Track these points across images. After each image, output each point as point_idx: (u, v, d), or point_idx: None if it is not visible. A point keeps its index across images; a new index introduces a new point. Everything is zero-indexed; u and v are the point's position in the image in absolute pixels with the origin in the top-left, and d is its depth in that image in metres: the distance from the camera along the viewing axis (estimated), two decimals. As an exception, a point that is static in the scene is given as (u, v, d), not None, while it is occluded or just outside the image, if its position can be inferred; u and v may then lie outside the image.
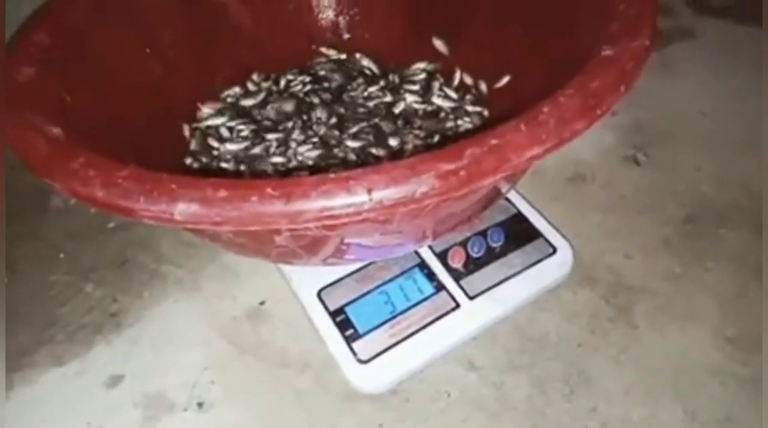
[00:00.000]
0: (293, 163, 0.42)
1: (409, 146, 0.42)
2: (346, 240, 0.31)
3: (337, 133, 0.44)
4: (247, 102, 0.48)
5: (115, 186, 0.24)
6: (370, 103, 0.47)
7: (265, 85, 0.49)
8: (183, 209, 0.23)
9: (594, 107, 0.25)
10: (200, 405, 0.36)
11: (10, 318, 0.42)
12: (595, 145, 0.51)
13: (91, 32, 0.39)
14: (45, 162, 0.26)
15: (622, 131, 0.52)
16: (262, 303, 0.41)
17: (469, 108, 0.46)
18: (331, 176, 0.23)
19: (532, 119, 0.24)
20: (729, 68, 0.56)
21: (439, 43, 0.48)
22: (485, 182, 0.24)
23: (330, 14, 0.51)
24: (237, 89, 0.49)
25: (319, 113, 0.46)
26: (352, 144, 0.43)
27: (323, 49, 0.50)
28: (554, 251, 0.40)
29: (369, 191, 0.23)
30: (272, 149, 0.43)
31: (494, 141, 0.24)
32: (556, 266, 0.39)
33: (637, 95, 0.54)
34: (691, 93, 0.55)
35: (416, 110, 0.46)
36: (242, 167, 0.42)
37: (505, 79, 0.44)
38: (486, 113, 0.46)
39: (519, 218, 0.41)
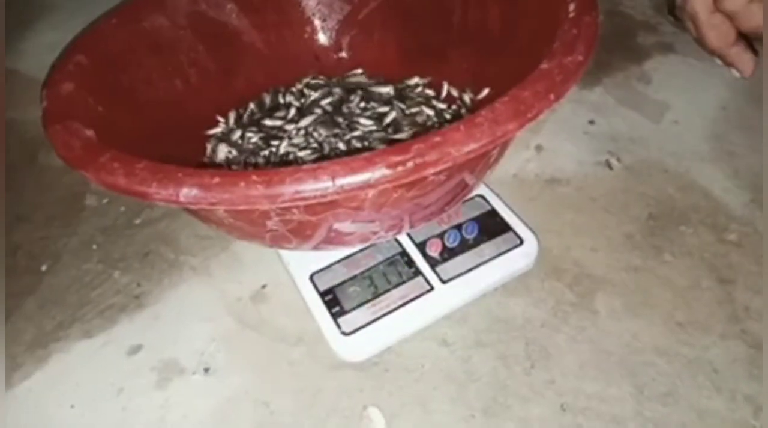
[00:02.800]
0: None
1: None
2: (329, 226, 0.36)
3: (334, 140, 0.50)
4: (257, 113, 0.54)
5: (134, 175, 0.30)
6: (366, 114, 0.53)
7: (273, 98, 0.55)
8: (186, 193, 0.29)
9: (524, 112, 0.30)
10: (206, 370, 0.41)
11: (51, 300, 0.48)
12: (573, 151, 0.55)
13: (121, 54, 0.46)
14: (79, 157, 0.32)
15: (599, 139, 0.56)
16: (263, 287, 0.46)
17: (451, 117, 0.51)
18: (304, 166, 0.29)
19: (471, 121, 0.30)
20: (702, 81, 0.60)
21: (428, 61, 0.54)
22: (429, 171, 0.29)
23: (333, 35, 0.58)
24: (248, 102, 0.55)
25: (321, 122, 0.52)
26: (347, 148, 0.49)
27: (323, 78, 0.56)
28: (521, 242, 0.44)
29: (333, 178, 0.28)
30: (277, 153, 0.49)
31: (437, 138, 0.29)
32: (522, 256, 0.44)
33: (616, 105, 0.59)
34: (666, 103, 0.59)
35: (406, 120, 0.51)
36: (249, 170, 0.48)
37: (486, 91, 0.50)
38: (468, 121, 0.51)
39: (492, 213, 0.46)
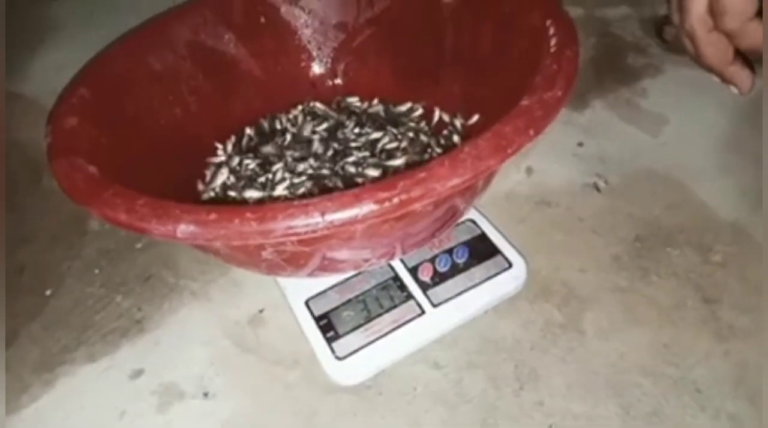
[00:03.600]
0: (290, 193, 0.49)
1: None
2: (322, 255, 0.38)
3: (329, 165, 0.51)
4: (254, 139, 0.56)
5: (135, 211, 0.31)
6: (361, 140, 0.54)
7: (270, 124, 0.57)
8: (183, 229, 0.30)
9: (505, 147, 0.32)
10: (206, 394, 0.43)
11: (56, 322, 0.50)
12: (563, 174, 0.56)
13: (123, 86, 0.48)
14: (83, 193, 0.34)
15: (587, 161, 0.57)
16: (261, 311, 0.48)
17: (444, 141, 0.53)
18: (295, 202, 0.30)
19: (455, 157, 0.31)
20: (690, 103, 0.62)
21: (420, 86, 0.56)
22: (415, 207, 0.30)
23: (328, 62, 0.59)
24: (246, 129, 0.57)
25: (317, 148, 0.54)
26: (342, 173, 0.50)
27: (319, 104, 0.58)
28: (510, 265, 0.46)
29: (322, 214, 0.30)
30: (272, 180, 0.51)
31: (422, 174, 0.30)
32: (511, 279, 0.45)
33: (605, 127, 0.60)
34: (654, 125, 0.60)
35: (398, 145, 0.53)
36: (246, 196, 0.49)
37: (475, 118, 0.51)
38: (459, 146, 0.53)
39: (482, 237, 0.47)
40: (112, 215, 0.32)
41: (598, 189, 0.55)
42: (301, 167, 0.52)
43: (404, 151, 0.52)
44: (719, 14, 0.38)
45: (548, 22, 0.41)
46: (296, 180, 0.50)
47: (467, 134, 0.53)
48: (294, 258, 0.37)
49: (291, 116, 0.57)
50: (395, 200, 0.30)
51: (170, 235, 0.30)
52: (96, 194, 0.33)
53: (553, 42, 0.39)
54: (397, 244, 0.41)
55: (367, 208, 0.30)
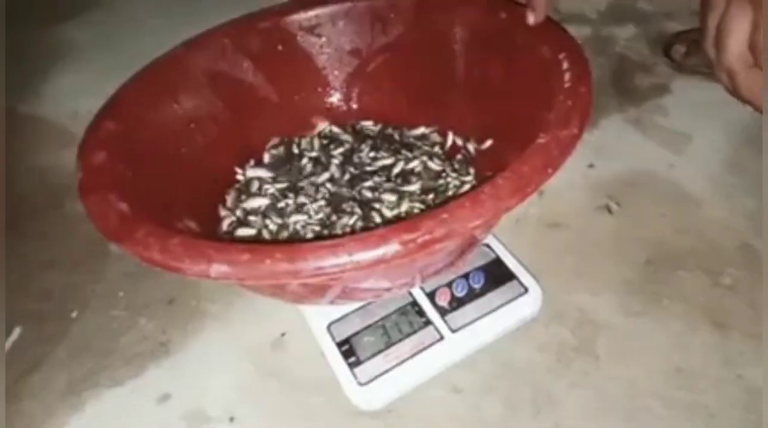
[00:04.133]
0: (309, 218, 0.50)
1: (405, 204, 0.50)
2: (343, 286, 0.39)
3: (346, 190, 0.53)
4: (273, 164, 0.57)
5: (169, 252, 0.33)
6: (376, 164, 0.55)
7: (287, 148, 0.58)
8: (216, 269, 0.32)
9: (524, 186, 0.33)
10: (231, 419, 0.44)
11: (82, 347, 0.51)
12: (574, 196, 0.58)
13: (146, 116, 0.49)
14: (116, 231, 0.35)
15: (598, 183, 0.59)
16: (283, 335, 0.49)
17: (458, 166, 0.54)
18: (323, 243, 0.32)
19: (475, 198, 0.32)
20: (699, 123, 0.63)
21: (434, 110, 0.57)
22: (438, 247, 0.32)
23: (343, 87, 0.61)
24: (264, 154, 0.58)
25: (333, 172, 0.55)
26: (359, 198, 0.51)
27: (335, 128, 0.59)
28: (526, 291, 0.47)
29: (350, 255, 0.31)
30: (291, 205, 0.52)
31: (444, 215, 0.32)
32: (527, 305, 0.46)
33: (615, 148, 0.62)
34: (663, 146, 0.61)
35: (413, 170, 0.54)
36: (266, 222, 0.50)
37: (488, 142, 0.53)
38: (472, 170, 0.54)
39: (497, 262, 0.49)
40: (147, 255, 0.33)
41: (610, 211, 0.56)
42: (318, 191, 0.53)
43: (419, 175, 0.54)
44: (761, 52, 0.38)
45: (561, 56, 0.42)
46: (314, 205, 0.51)
47: (480, 158, 0.54)
48: (318, 290, 0.39)
49: (307, 141, 0.59)
50: (419, 241, 0.31)
51: (204, 275, 0.32)
52: (129, 232, 0.35)
53: (567, 77, 0.40)
54: (417, 274, 0.42)
55: (392, 248, 0.31)
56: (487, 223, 0.32)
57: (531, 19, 0.47)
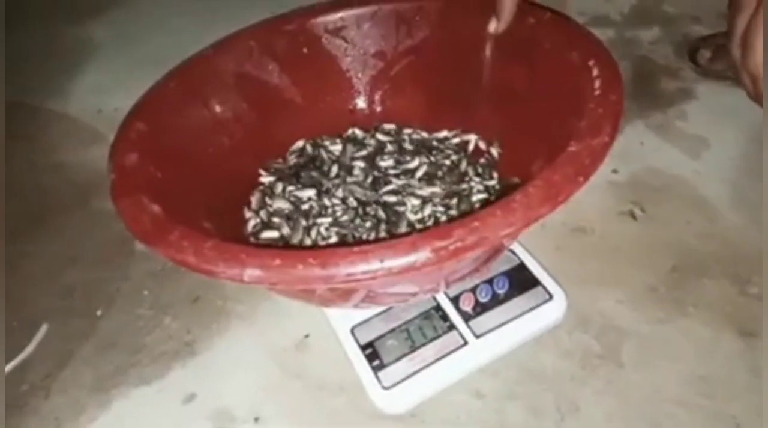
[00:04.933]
0: (333, 220, 0.51)
1: (428, 208, 0.50)
2: (369, 291, 0.39)
3: (369, 192, 0.53)
4: (297, 165, 0.57)
5: (202, 255, 0.33)
6: (400, 167, 0.56)
7: (311, 150, 0.59)
8: (250, 273, 0.32)
9: (555, 195, 0.33)
10: (257, 419, 0.45)
11: (108, 345, 0.52)
12: (597, 200, 0.57)
13: (175, 117, 0.50)
14: (150, 234, 0.36)
15: (622, 188, 0.58)
16: (306, 336, 0.49)
17: (481, 170, 0.54)
18: (355, 249, 0.32)
19: (506, 206, 0.32)
20: (724, 129, 0.62)
21: (456, 114, 0.57)
22: (468, 255, 0.32)
23: (367, 90, 0.61)
24: (288, 155, 0.59)
25: (357, 174, 0.55)
26: (383, 201, 0.51)
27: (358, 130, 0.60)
28: (550, 297, 0.47)
29: (381, 261, 0.31)
30: (316, 207, 0.52)
31: (476, 223, 0.32)
32: (552, 312, 0.46)
33: (638, 153, 0.61)
34: (687, 152, 0.61)
35: (437, 173, 0.54)
36: (290, 225, 0.51)
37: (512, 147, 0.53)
38: (495, 174, 0.54)
39: (521, 267, 0.49)
40: (180, 258, 0.34)
41: (634, 217, 0.55)
42: (342, 193, 0.53)
43: (442, 179, 0.54)
44: None
45: (591, 62, 0.42)
46: (339, 207, 0.52)
47: (503, 162, 0.54)
48: (344, 294, 0.39)
49: (331, 143, 0.59)
50: (451, 248, 0.31)
51: (237, 278, 0.32)
52: (163, 235, 0.35)
53: (597, 84, 0.40)
54: (442, 280, 0.42)
55: (423, 256, 0.31)
56: (518, 231, 0.32)
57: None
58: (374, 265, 0.31)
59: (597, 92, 0.40)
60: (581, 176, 0.34)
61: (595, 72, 0.41)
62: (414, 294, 0.42)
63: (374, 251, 0.31)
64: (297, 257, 0.32)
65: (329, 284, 0.32)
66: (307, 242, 0.49)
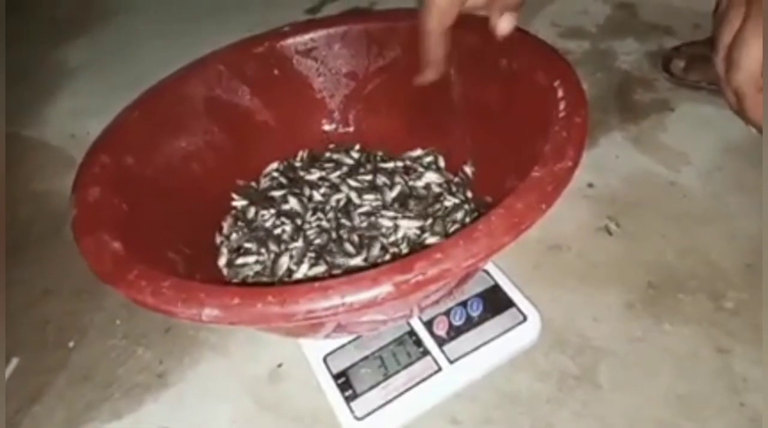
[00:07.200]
0: (307, 245, 0.50)
1: (402, 230, 0.50)
2: (340, 323, 0.39)
3: (342, 215, 0.52)
4: (269, 189, 0.57)
5: (160, 294, 0.33)
6: (373, 188, 0.55)
7: (284, 172, 0.58)
8: (208, 313, 0.31)
9: (518, 224, 0.33)
10: (229, 453, 0.44)
11: (81, 378, 0.51)
12: (573, 216, 0.57)
13: (142, 147, 0.49)
14: (109, 273, 0.35)
15: (597, 202, 0.58)
16: (279, 365, 0.49)
17: (455, 189, 0.54)
18: (315, 285, 0.31)
19: (469, 236, 0.32)
20: (699, 141, 0.62)
21: (431, 133, 0.57)
22: (431, 288, 0.31)
23: (340, 110, 0.60)
24: (261, 179, 0.58)
25: (331, 196, 0.54)
26: (357, 223, 0.51)
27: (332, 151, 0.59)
28: (525, 319, 0.46)
29: (342, 297, 0.31)
30: (288, 231, 0.52)
31: (438, 255, 0.31)
32: (526, 333, 0.46)
33: (614, 166, 0.61)
34: (663, 164, 0.61)
35: (410, 194, 0.54)
36: (263, 250, 0.50)
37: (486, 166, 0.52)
38: (469, 193, 0.54)
39: (495, 289, 0.48)
40: (140, 298, 0.33)
41: (609, 232, 0.55)
42: (316, 216, 0.53)
43: (417, 199, 0.53)
44: None
45: (556, 83, 0.42)
46: (312, 231, 0.51)
47: (476, 181, 0.54)
48: (314, 327, 0.39)
49: (304, 164, 0.58)
50: (412, 282, 0.31)
51: (196, 318, 0.32)
52: (122, 274, 0.34)
53: (561, 106, 0.40)
54: (414, 307, 0.42)
55: (385, 290, 0.31)
56: (481, 261, 0.32)
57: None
58: (335, 301, 0.31)
59: (562, 114, 0.39)
60: (544, 204, 0.34)
61: (560, 93, 0.41)
62: (385, 322, 0.41)
63: (335, 287, 0.31)
64: (256, 295, 0.31)
65: (290, 322, 0.31)
66: (282, 266, 0.48)
